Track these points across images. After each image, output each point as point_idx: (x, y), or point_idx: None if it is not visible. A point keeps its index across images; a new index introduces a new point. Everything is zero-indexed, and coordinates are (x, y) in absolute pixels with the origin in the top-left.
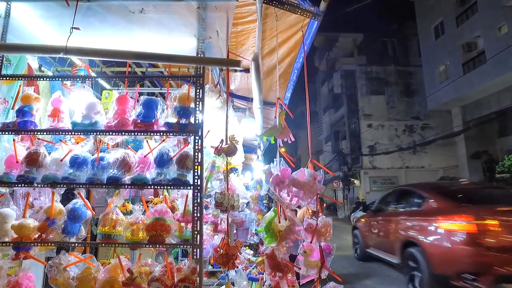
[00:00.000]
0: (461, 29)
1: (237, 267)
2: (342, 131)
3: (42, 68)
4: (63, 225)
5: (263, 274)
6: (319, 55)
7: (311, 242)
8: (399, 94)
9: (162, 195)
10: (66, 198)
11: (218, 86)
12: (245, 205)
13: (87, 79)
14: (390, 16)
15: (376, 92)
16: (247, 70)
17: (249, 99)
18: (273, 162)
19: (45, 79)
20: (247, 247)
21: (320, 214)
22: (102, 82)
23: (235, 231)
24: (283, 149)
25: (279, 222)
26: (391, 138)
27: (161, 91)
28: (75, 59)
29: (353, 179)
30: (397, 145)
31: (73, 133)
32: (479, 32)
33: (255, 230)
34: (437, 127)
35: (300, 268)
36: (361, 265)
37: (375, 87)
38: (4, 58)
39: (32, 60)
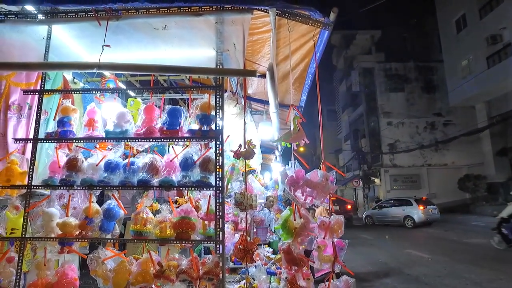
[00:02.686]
0: (485, 21)
1: (255, 262)
2: (361, 129)
3: (75, 80)
4: (99, 223)
5: (281, 269)
6: (336, 53)
7: (324, 238)
8: (419, 91)
9: (187, 195)
10: (97, 200)
11: (236, 94)
12: (262, 205)
13: (116, 91)
14: (409, 11)
15: (395, 89)
16: (264, 76)
17: (266, 102)
18: (289, 164)
19: (80, 92)
20: (266, 245)
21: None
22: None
23: (254, 230)
24: (302, 149)
25: (295, 220)
26: (412, 136)
27: (182, 97)
28: (107, 72)
29: (373, 178)
30: (418, 142)
31: (106, 140)
32: (504, 23)
33: (274, 228)
34: (460, 123)
35: (314, 262)
36: (380, 264)
37: (394, 84)
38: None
39: (67, 74)
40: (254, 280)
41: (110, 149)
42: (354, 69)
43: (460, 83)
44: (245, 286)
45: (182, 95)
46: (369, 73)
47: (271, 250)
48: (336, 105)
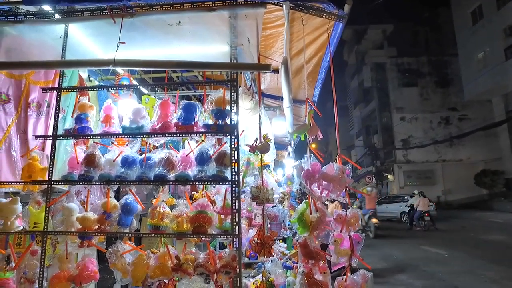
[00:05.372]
0: (502, 11)
1: (272, 255)
2: (374, 125)
3: (90, 78)
4: (118, 218)
5: (297, 263)
6: (347, 48)
7: (341, 232)
8: (433, 85)
9: (203, 190)
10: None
11: (251, 88)
12: (277, 200)
13: (131, 88)
14: (421, 4)
15: (408, 84)
16: (276, 71)
17: (279, 98)
18: (304, 158)
19: (96, 89)
20: (280, 241)
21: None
22: (140, 87)
23: (268, 225)
24: (313, 145)
25: (311, 214)
26: (426, 131)
27: (195, 93)
28: (119, 69)
29: (386, 174)
30: (432, 138)
31: (123, 136)
32: None
33: (288, 224)
34: (476, 118)
35: (331, 256)
36: (395, 261)
37: (407, 79)
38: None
39: (83, 72)
40: (270, 274)
41: (127, 145)
42: (366, 65)
43: (475, 76)
44: (264, 280)
45: (194, 92)
46: (381, 68)
47: (285, 245)
48: (348, 101)
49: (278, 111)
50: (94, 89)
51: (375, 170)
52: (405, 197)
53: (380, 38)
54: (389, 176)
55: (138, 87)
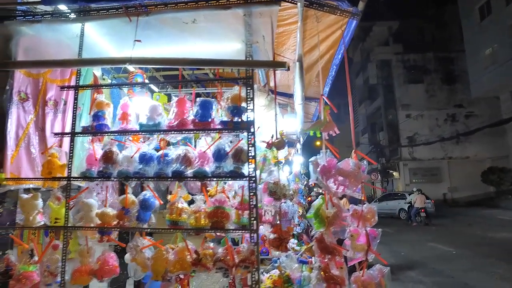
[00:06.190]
0: (511, 7)
1: (289, 250)
2: (379, 122)
3: (103, 76)
4: (136, 214)
5: (311, 258)
6: (353, 46)
7: (357, 227)
8: (439, 82)
9: (217, 186)
10: (122, 191)
11: (266, 86)
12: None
13: (145, 85)
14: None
15: (414, 81)
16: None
17: (288, 95)
18: (319, 154)
19: (111, 87)
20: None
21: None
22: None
23: (278, 222)
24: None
25: (327, 209)
26: (432, 128)
27: (205, 90)
28: (130, 67)
29: (391, 171)
30: (438, 135)
31: (140, 133)
32: None
33: (297, 221)
34: (483, 115)
35: (347, 251)
36: (404, 257)
37: (413, 76)
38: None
39: (96, 70)
40: (285, 269)
41: (144, 142)
42: (371, 62)
43: (483, 73)
44: (280, 274)
45: (205, 89)
46: (386, 65)
47: (295, 241)
48: (353, 98)
49: (289, 109)
50: (110, 87)
51: (381, 168)
52: (404, 194)
53: (385, 34)
54: (394, 174)
55: (149, 85)
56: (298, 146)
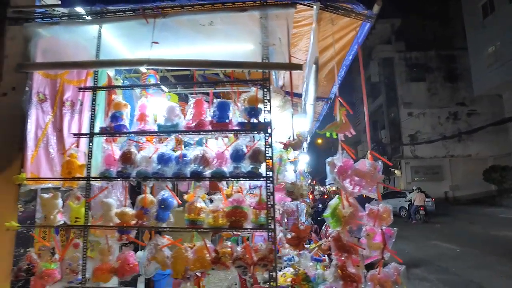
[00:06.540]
0: None
1: (306, 249)
2: (381, 120)
3: (116, 77)
4: (155, 213)
5: (325, 256)
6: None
7: (373, 226)
8: (441, 80)
9: (232, 186)
10: (134, 192)
11: (283, 87)
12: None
13: (159, 86)
14: None
15: (416, 79)
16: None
17: (296, 95)
18: (336, 155)
19: (127, 88)
20: None
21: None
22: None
23: (286, 220)
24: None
25: (343, 208)
26: (434, 126)
27: (216, 90)
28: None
29: (393, 169)
30: (440, 133)
31: (159, 134)
32: None
33: (303, 219)
34: (485, 113)
35: (364, 249)
36: (408, 255)
37: (415, 74)
38: None
39: (110, 71)
40: (300, 267)
41: (159, 142)
42: (373, 59)
43: (486, 71)
44: (297, 272)
45: (214, 89)
46: (388, 63)
47: None
48: (354, 97)
49: (299, 109)
50: (127, 88)
51: (382, 166)
52: (405, 193)
53: (387, 32)
54: (396, 172)
55: (161, 86)
56: (305, 145)
